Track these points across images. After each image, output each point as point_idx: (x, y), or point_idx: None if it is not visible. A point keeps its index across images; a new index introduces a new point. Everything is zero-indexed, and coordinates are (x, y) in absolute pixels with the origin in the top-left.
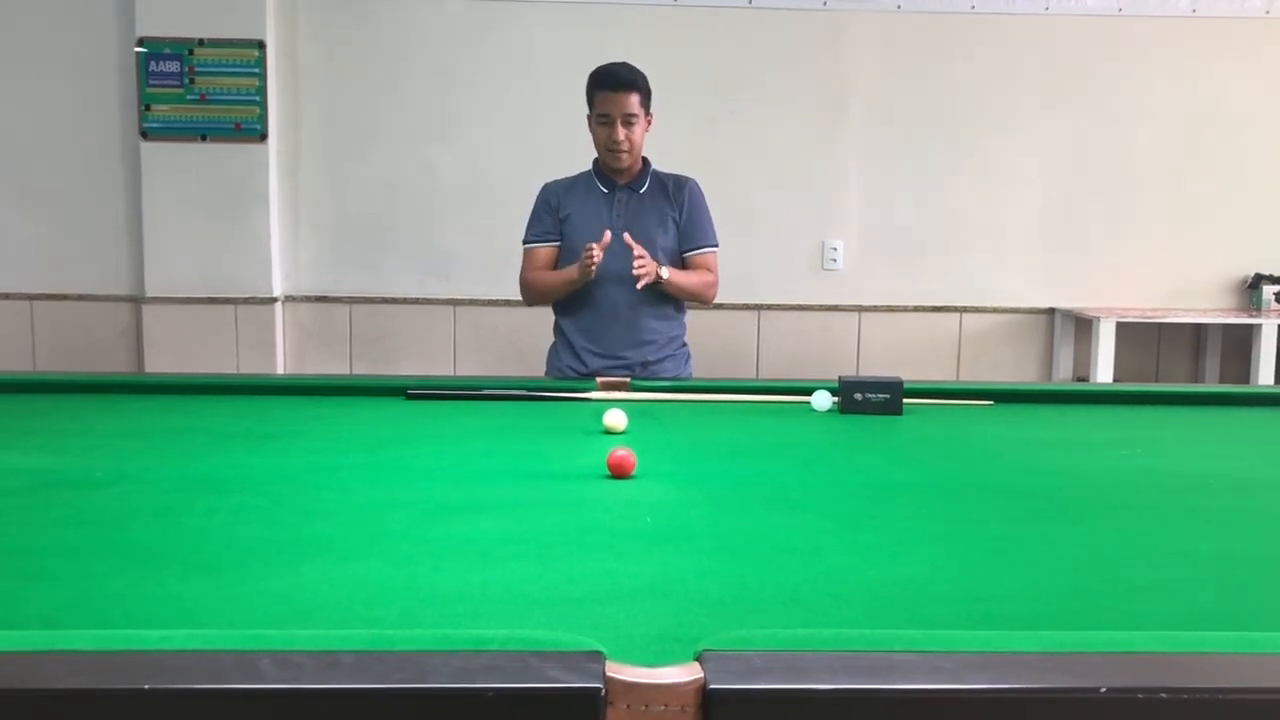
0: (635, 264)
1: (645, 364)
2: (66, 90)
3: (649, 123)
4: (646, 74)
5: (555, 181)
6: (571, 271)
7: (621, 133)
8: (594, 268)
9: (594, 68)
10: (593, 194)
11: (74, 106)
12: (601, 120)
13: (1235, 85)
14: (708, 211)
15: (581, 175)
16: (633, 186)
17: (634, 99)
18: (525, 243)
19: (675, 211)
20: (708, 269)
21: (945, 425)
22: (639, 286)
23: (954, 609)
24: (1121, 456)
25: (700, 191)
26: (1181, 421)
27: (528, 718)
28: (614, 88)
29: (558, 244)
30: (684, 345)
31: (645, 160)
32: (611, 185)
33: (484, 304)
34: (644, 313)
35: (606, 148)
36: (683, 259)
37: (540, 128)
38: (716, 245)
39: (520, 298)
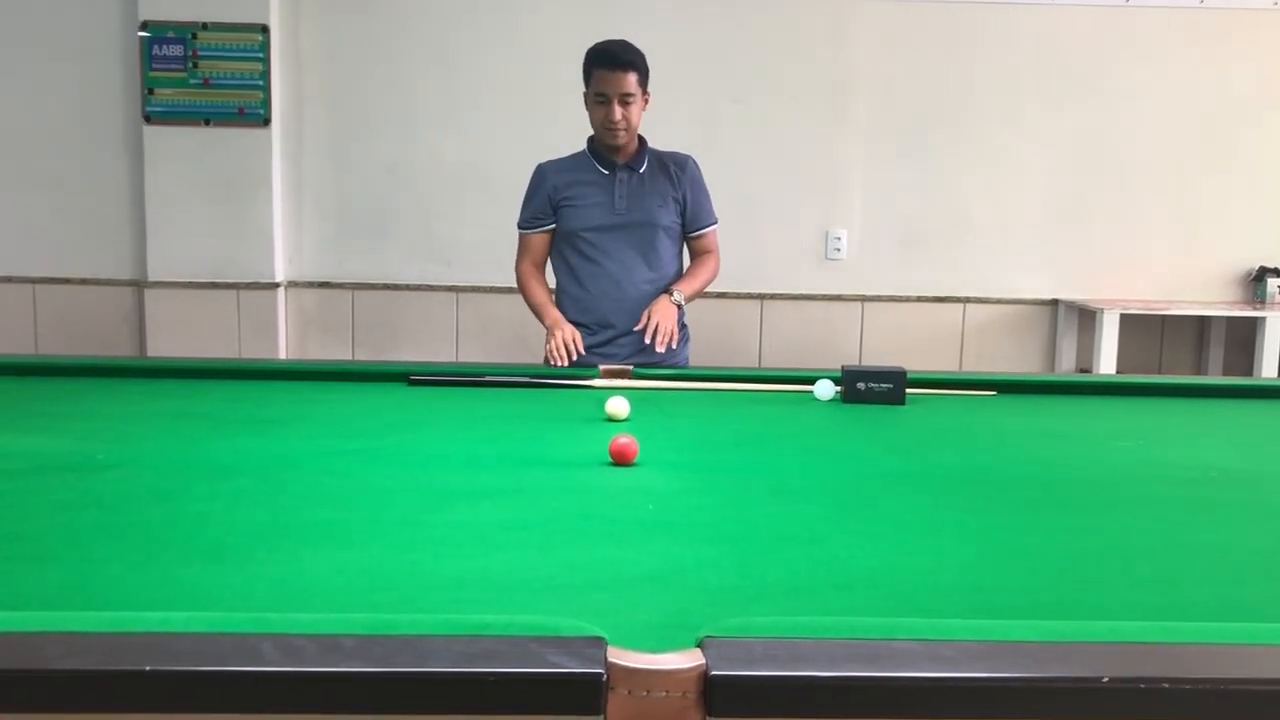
0: (655, 342)
1: (643, 348)
2: (69, 74)
3: (646, 102)
4: (649, 59)
5: (550, 162)
6: (546, 319)
7: (618, 112)
8: (553, 359)
9: (590, 45)
10: (593, 175)
11: (77, 90)
12: (599, 99)
13: (1242, 77)
14: (707, 189)
15: (578, 155)
16: (632, 166)
17: (631, 78)
18: (520, 227)
19: (676, 191)
20: (710, 250)
21: (948, 415)
22: (665, 346)
23: (955, 598)
24: (1124, 448)
25: (699, 169)
26: (1184, 414)
27: (529, 702)
28: (611, 66)
29: (551, 228)
30: (684, 326)
31: (642, 138)
32: (611, 165)
33: (486, 291)
34: (637, 292)
35: (603, 126)
36: (687, 239)
37: (543, 114)
38: (717, 221)
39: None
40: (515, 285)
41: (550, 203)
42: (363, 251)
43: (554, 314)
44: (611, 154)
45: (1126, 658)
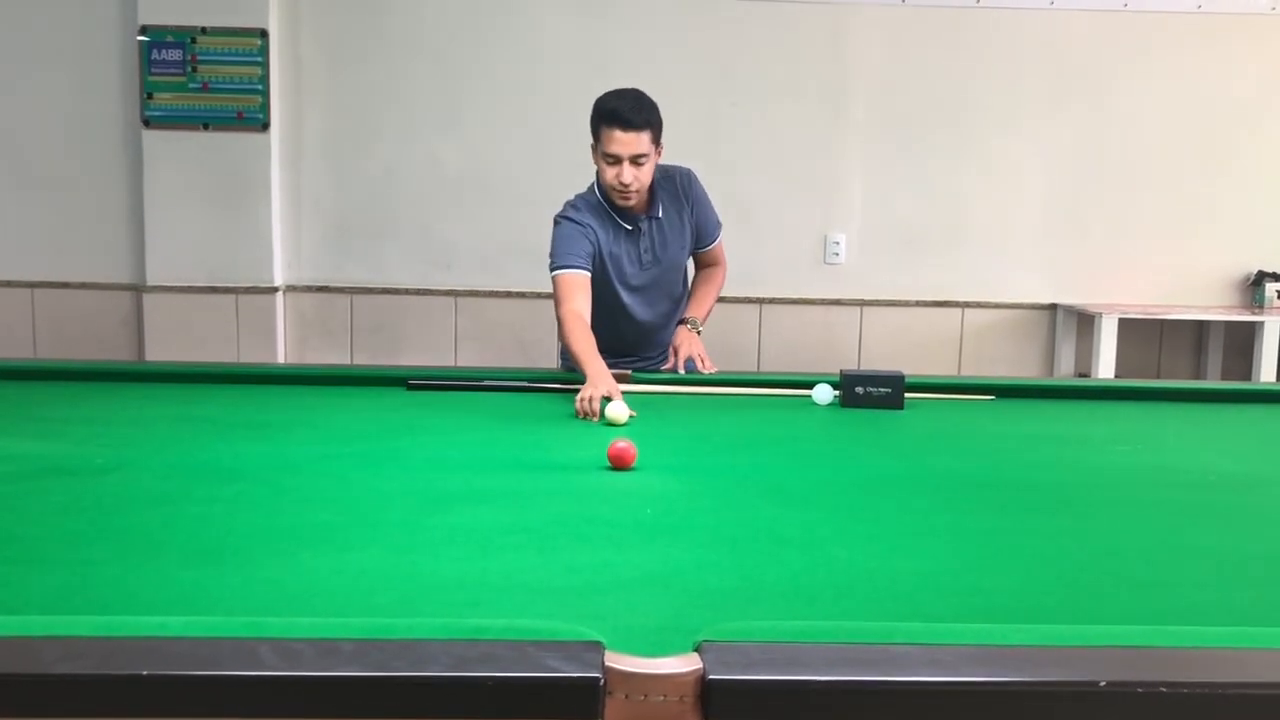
0: (696, 369)
1: (650, 360)
2: (68, 78)
3: (659, 154)
4: (647, 60)
5: (575, 211)
6: (587, 369)
7: (629, 173)
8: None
9: (601, 95)
10: (618, 233)
11: (76, 94)
12: (609, 160)
13: (1240, 81)
14: (708, 198)
15: (596, 205)
16: (651, 214)
17: (645, 138)
18: (562, 267)
19: (690, 217)
20: (718, 261)
21: (946, 420)
22: (711, 367)
23: (953, 602)
24: (1122, 452)
25: (699, 181)
26: (1182, 418)
27: (527, 707)
28: (624, 127)
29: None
30: None
31: None
32: (634, 220)
33: (485, 295)
34: (660, 324)
35: (613, 187)
36: (695, 252)
37: (543, 119)
38: (721, 228)
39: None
40: (516, 289)
41: (595, 247)
42: (361, 256)
43: (595, 368)
44: (625, 207)
45: (1124, 662)
